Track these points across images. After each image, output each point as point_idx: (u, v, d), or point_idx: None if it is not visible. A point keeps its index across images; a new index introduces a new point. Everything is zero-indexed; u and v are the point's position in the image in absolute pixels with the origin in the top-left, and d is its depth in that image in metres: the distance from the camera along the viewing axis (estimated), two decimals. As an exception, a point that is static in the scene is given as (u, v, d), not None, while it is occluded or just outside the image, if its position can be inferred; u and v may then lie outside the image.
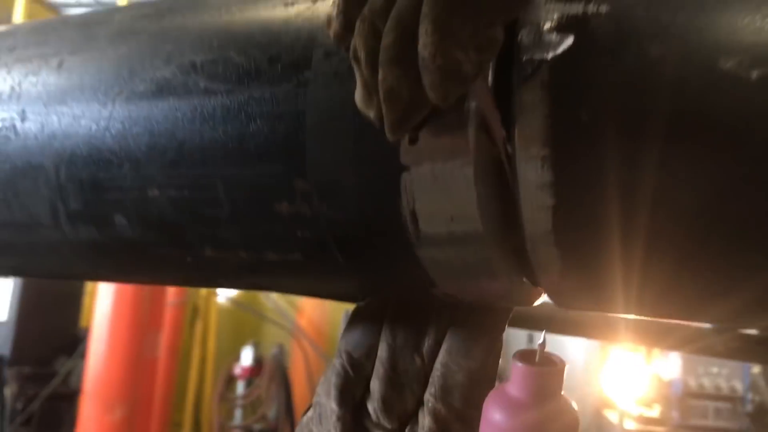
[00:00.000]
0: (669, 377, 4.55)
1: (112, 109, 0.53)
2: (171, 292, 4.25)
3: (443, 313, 0.56)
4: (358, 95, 0.41)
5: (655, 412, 4.67)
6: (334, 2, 0.47)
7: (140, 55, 0.54)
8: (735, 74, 0.36)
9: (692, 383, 4.43)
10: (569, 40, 0.39)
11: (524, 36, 0.41)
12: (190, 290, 4.66)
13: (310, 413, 0.60)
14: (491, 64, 0.43)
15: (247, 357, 4.92)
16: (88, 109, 0.55)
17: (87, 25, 0.61)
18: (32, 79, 0.59)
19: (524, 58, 0.40)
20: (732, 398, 4.39)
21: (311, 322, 5.26)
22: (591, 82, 0.39)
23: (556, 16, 0.40)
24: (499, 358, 0.55)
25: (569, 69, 0.39)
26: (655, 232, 0.40)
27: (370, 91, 0.40)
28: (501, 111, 0.42)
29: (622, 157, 0.39)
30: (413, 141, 0.44)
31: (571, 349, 5.06)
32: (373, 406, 0.56)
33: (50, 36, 0.62)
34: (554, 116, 0.40)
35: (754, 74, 0.35)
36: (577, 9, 0.40)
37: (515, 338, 4.61)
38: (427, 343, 0.56)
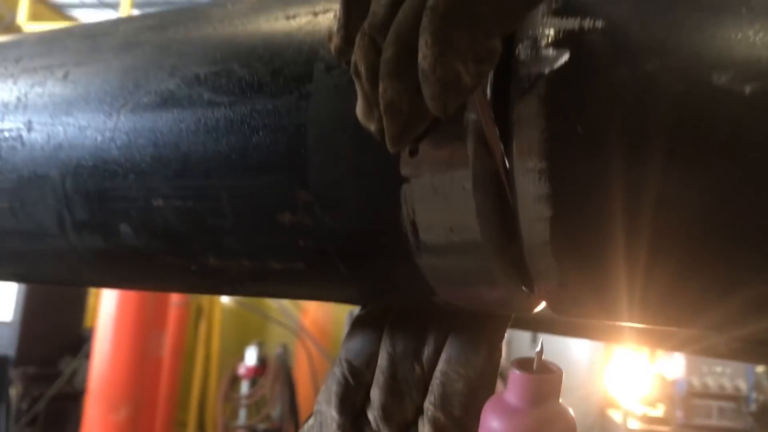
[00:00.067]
0: (673, 377, 4.55)
1: (117, 120, 0.54)
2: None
3: (443, 321, 0.57)
4: (359, 108, 0.42)
5: (659, 411, 4.67)
6: (334, 17, 0.48)
7: (145, 67, 0.55)
8: (729, 89, 0.36)
9: (696, 383, 4.43)
10: (566, 55, 0.40)
11: (522, 50, 0.42)
12: (194, 291, 4.66)
13: (311, 421, 0.60)
14: (490, 78, 0.43)
15: (251, 357, 4.93)
16: (94, 120, 0.55)
17: (92, 36, 0.62)
18: (38, 90, 0.59)
19: (522, 73, 0.41)
20: (736, 398, 4.39)
21: (315, 322, 5.27)
22: (587, 96, 0.39)
23: (553, 31, 0.41)
24: (498, 366, 0.55)
25: (566, 83, 0.40)
26: (652, 242, 0.40)
27: (371, 104, 0.41)
28: (499, 124, 0.43)
29: (619, 169, 0.39)
30: (413, 153, 0.44)
31: (575, 349, 5.06)
32: (373, 414, 0.57)
33: (55, 47, 0.63)
34: (551, 130, 0.40)
35: (748, 89, 0.36)
36: (573, 24, 0.40)
37: (519, 339, 4.62)
38: (426, 351, 0.56)
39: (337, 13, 0.43)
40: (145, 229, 0.56)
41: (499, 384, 0.55)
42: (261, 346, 4.99)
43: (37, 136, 0.58)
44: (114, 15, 5.84)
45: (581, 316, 0.52)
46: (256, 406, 4.97)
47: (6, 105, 0.61)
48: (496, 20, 0.38)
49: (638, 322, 0.48)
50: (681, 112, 0.37)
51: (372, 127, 0.41)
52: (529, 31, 0.42)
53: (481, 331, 0.55)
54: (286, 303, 5.16)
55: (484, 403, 0.50)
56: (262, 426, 4.77)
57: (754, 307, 0.42)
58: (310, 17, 0.51)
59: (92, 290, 4.69)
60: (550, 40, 0.41)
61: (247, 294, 0.64)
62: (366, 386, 0.58)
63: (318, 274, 0.54)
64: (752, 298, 0.41)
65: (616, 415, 4.85)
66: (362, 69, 0.40)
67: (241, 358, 4.99)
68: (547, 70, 0.40)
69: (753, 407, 4.34)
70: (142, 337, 3.91)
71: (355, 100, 0.42)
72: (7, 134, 0.60)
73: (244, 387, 5.00)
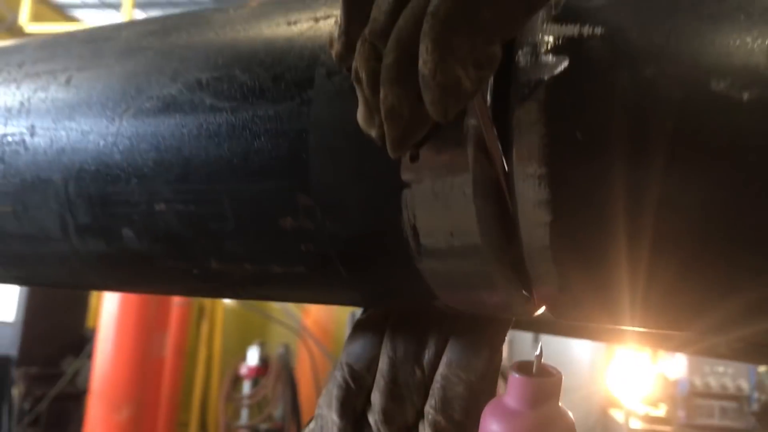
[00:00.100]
0: (675, 376, 4.55)
1: (119, 125, 0.55)
2: (177, 292, 4.25)
3: (444, 325, 0.57)
4: (360, 114, 0.42)
5: (661, 411, 4.67)
6: (335, 23, 0.48)
7: (147, 72, 0.55)
8: (727, 95, 0.37)
9: (698, 382, 4.43)
10: (565, 62, 0.40)
11: (522, 56, 0.42)
12: (196, 291, 4.67)
13: (312, 425, 0.60)
14: (490, 84, 0.44)
15: (253, 357, 4.94)
16: (96, 125, 0.56)
17: (94, 41, 0.62)
18: (41, 94, 0.60)
19: (522, 79, 0.41)
20: (738, 397, 4.38)
21: (317, 322, 5.28)
22: (587, 102, 0.40)
23: (552, 38, 0.41)
24: (499, 369, 0.56)
25: (565, 89, 0.40)
26: (653, 247, 0.41)
27: (372, 110, 0.41)
28: (499, 130, 0.43)
29: (618, 175, 0.40)
30: (414, 158, 0.44)
31: (576, 349, 5.07)
32: (374, 418, 0.57)
33: (58, 52, 0.63)
34: (551, 135, 0.40)
35: (746, 95, 0.36)
36: (573, 31, 0.41)
37: (521, 340, 4.62)
38: (427, 355, 0.57)
39: (338, 19, 0.43)
40: (147, 233, 0.56)
41: (500, 384, 0.56)
42: (263, 346, 5.00)
43: (40, 141, 0.58)
44: (116, 15, 5.85)
45: (581, 320, 0.52)
46: (258, 406, 4.98)
47: (9, 110, 0.61)
48: (497, 26, 0.38)
49: (639, 326, 0.49)
50: (680, 118, 0.38)
51: (373, 132, 0.41)
52: (529, 38, 0.42)
53: (481, 334, 0.56)
54: (288, 303, 5.16)
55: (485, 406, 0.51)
56: (264, 426, 4.77)
57: (754, 308, 0.42)
58: (311, 23, 0.51)
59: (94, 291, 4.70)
60: (549, 46, 0.41)
61: (248, 297, 0.65)
62: (367, 390, 0.58)
63: (319, 278, 0.54)
64: (753, 300, 0.41)
65: (618, 415, 4.85)
66: (363, 75, 0.41)
67: (243, 358, 4.99)
68: (546, 77, 0.41)
69: (755, 407, 4.34)
70: (144, 337, 3.92)
71: (356, 105, 0.42)
72: (10, 138, 0.60)
73: (246, 387, 5.01)
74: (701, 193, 0.38)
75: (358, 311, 0.63)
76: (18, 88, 0.62)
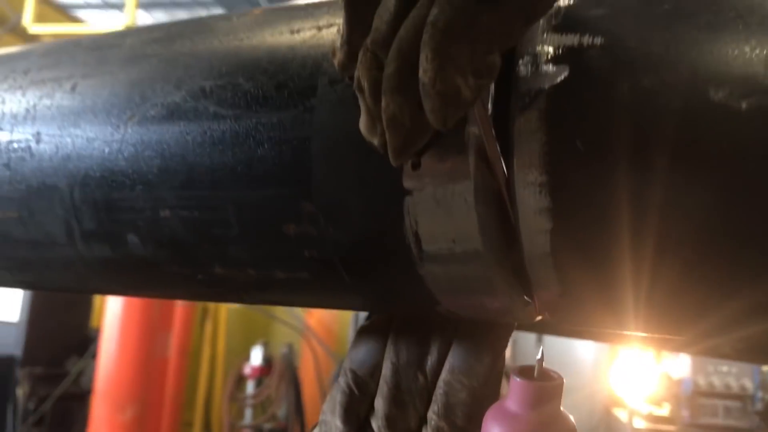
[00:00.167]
0: (678, 376, 4.55)
1: (124, 132, 0.55)
2: (181, 293, 4.25)
3: (446, 331, 0.57)
4: (362, 123, 0.42)
5: (665, 410, 4.66)
6: (338, 32, 0.48)
7: (151, 80, 0.56)
8: (726, 104, 0.37)
9: (702, 382, 4.42)
10: (566, 71, 0.41)
11: (522, 66, 0.42)
12: (199, 291, 4.67)
13: (316, 431, 0.61)
14: (491, 93, 0.44)
15: (256, 357, 4.94)
16: (102, 132, 0.56)
17: (99, 48, 0.63)
18: (47, 101, 0.60)
19: (522, 88, 0.42)
20: (742, 397, 4.38)
21: (321, 321, 5.28)
22: (586, 111, 0.40)
23: (552, 47, 0.42)
24: (502, 374, 0.56)
25: (565, 98, 0.41)
26: (654, 253, 0.41)
27: (374, 118, 0.41)
28: (500, 138, 0.43)
29: (619, 182, 0.40)
30: (416, 166, 0.45)
31: (580, 348, 5.06)
32: (377, 424, 0.57)
33: (63, 59, 0.64)
34: (551, 144, 0.41)
35: (744, 104, 0.37)
36: (573, 40, 0.41)
37: (524, 340, 4.62)
38: (430, 361, 0.57)
39: (341, 28, 0.44)
40: (152, 239, 0.57)
41: (504, 384, 0.56)
42: (266, 346, 5.00)
43: (45, 148, 0.59)
44: (119, 15, 5.85)
45: (582, 325, 0.52)
46: (261, 405, 4.98)
47: (15, 116, 0.61)
48: (496, 35, 0.38)
49: (639, 331, 0.49)
50: (679, 127, 0.38)
51: (375, 140, 0.42)
52: (530, 47, 0.42)
53: (484, 340, 0.56)
54: (291, 304, 5.15)
55: (488, 411, 0.51)
56: (267, 426, 4.78)
57: (756, 310, 0.42)
58: (313, 31, 0.52)
59: (98, 291, 4.70)
60: (550, 56, 0.41)
61: (252, 302, 0.65)
62: (370, 396, 0.59)
63: (322, 284, 0.54)
64: (754, 301, 0.42)
65: (621, 414, 4.85)
66: (365, 84, 0.41)
67: (247, 357, 5.00)
68: (547, 86, 0.41)
69: (759, 406, 4.33)
70: (148, 337, 3.92)
71: (359, 113, 0.42)
72: (16, 145, 0.61)
73: (250, 387, 5.01)
74: (700, 202, 0.39)
75: (361, 312, 0.64)
76: (24, 95, 0.62)
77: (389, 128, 0.40)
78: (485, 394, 0.55)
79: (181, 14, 6.93)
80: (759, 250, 0.39)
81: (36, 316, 4.30)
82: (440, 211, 0.45)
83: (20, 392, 4.15)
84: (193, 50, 0.56)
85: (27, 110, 0.61)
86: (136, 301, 3.84)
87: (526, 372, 0.51)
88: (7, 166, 0.61)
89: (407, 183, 0.46)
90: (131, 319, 3.87)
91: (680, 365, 4.56)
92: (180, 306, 4.37)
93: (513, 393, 0.50)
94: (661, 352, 4.59)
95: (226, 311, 5.64)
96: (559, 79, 0.41)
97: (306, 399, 4.85)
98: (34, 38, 4.99)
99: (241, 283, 0.57)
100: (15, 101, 0.62)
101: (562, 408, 0.50)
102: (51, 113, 0.60)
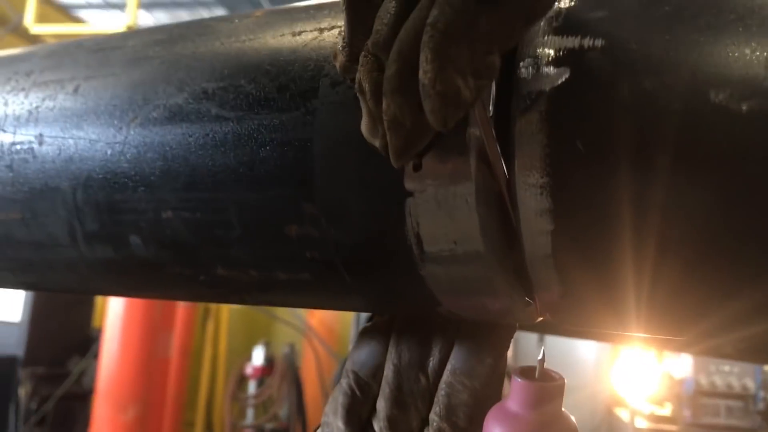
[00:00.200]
0: (680, 375, 4.55)
1: (126, 134, 0.55)
2: (183, 293, 4.25)
3: (448, 332, 0.58)
4: (364, 125, 0.43)
5: (667, 410, 4.66)
6: (339, 35, 0.48)
7: (153, 82, 0.56)
8: (726, 106, 0.37)
9: (704, 381, 4.42)
10: (566, 73, 0.41)
11: (523, 68, 0.42)
12: (201, 291, 4.68)
13: None
14: (492, 95, 0.44)
15: (258, 357, 4.94)
16: (104, 134, 0.57)
17: (102, 50, 0.63)
18: (49, 103, 0.60)
19: (523, 90, 0.42)
20: (744, 396, 4.37)
21: (322, 321, 5.28)
22: (587, 113, 0.40)
23: (553, 50, 0.42)
24: (503, 375, 0.56)
25: (566, 100, 0.41)
26: (655, 254, 0.41)
27: (375, 120, 0.41)
28: (501, 140, 0.44)
29: (620, 184, 0.40)
30: (417, 168, 0.45)
31: (582, 348, 5.06)
32: (379, 425, 0.57)
33: (66, 61, 0.64)
34: (552, 146, 0.41)
35: (745, 107, 0.37)
36: (574, 43, 0.41)
37: (526, 339, 4.62)
38: (432, 362, 0.57)
39: (342, 31, 0.44)
40: (154, 240, 0.57)
41: (506, 384, 0.56)
42: (268, 346, 5.00)
43: (48, 149, 0.59)
44: (120, 15, 5.85)
45: (583, 325, 0.52)
46: (263, 405, 4.98)
47: (18, 118, 0.62)
48: (495, 36, 0.38)
49: (641, 332, 0.49)
50: (680, 129, 0.38)
51: (377, 142, 0.42)
52: (531, 49, 0.42)
53: (485, 341, 0.56)
54: (293, 304, 5.15)
55: (489, 412, 0.51)
56: (269, 425, 4.78)
57: (757, 310, 0.42)
58: (315, 33, 0.52)
59: (100, 291, 4.70)
60: (550, 58, 0.41)
61: (254, 303, 0.65)
62: (372, 397, 0.59)
63: (324, 285, 0.54)
64: (755, 302, 0.42)
65: (623, 414, 4.85)
66: (366, 86, 0.41)
67: (249, 357, 5.00)
68: (548, 88, 0.41)
69: (761, 406, 4.33)
70: (150, 337, 3.93)
71: (360, 115, 0.43)
72: (18, 147, 0.61)
73: (252, 387, 5.01)
74: (701, 203, 0.39)
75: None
76: (26, 97, 0.63)
77: (390, 129, 0.40)
78: (487, 395, 0.55)
79: (183, 14, 6.93)
80: (760, 249, 0.39)
81: (38, 316, 4.30)
82: (442, 212, 0.45)
83: (22, 392, 4.15)
84: (196, 52, 0.57)
85: (30, 112, 0.61)
86: (137, 301, 3.85)
87: (527, 372, 0.51)
88: (9, 167, 0.61)
89: (409, 184, 0.46)
90: (133, 319, 3.87)
91: (682, 365, 4.56)
92: (182, 306, 4.37)
93: (514, 393, 0.50)
94: (663, 351, 4.59)
95: (227, 311, 5.64)
96: (559, 81, 0.41)
97: (308, 399, 4.86)
98: (35, 38, 5.00)
99: (243, 284, 0.57)
100: (18, 103, 0.63)
101: (563, 408, 0.50)
102: (54, 115, 0.60)
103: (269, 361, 4.94)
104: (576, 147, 0.40)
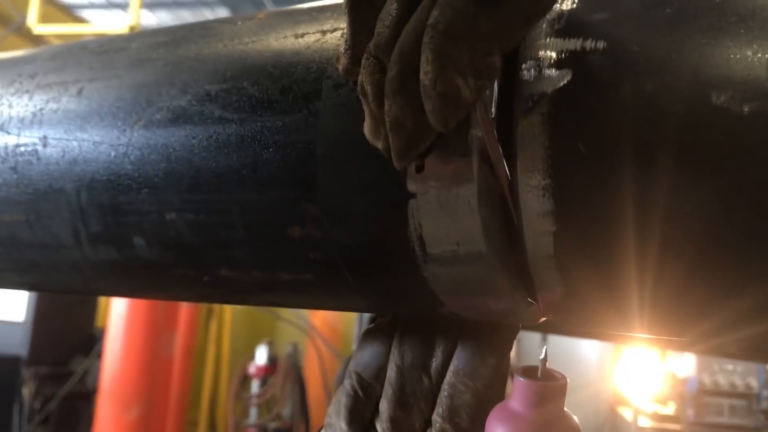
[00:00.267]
0: (684, 374, 4.54)
1: (130, 136, 0.56)
2: (186, 292, 4.25)
3: (450, 333, 0.58)
4: (366, 127, 0.43)
5: (670, 409, 4.66)
6: (341, 37, 0.48)
7: (157, 84, 0.56)
8: (727, 108, 0.37)
9: (707, 380, 4.42)
10: (568, 75, 0.41)
11: (525, 70, 0.43)
12: (204, 290, 4.68)
13: None
14: (494, 97, 0.44)
15: (261, 356, 4.95)
16: (108, 136, 0.57)
17: (105, 52, 0.63)
18: (53, 105, 0.61)
19: (525, 92, 0.42)
20: (747, 395, 4.37)
21: (325, 321, 5.28)
22: (589, 115, 0.40)
23: (555, 52, 0.42)
24: (506, 376, 0.56)
25: (568, 102, 0.41)
26: (657, 255, 0.41)
27: (378, 122, 0.42)
28: (504, 142, 0.44)
29: (621, 185, 0.40)
30: (419, 169, 0.45)
31: (585, 347, 5.06)
32: (381, 426, 0.58)
33: (69, 63, 0.64)
34: (554, 147, 0.41)
35: (746, 108, 0.37)
36: (575, 45, 0.41)
37: (529, 338, 4.62)
38: (434, 363, 0.57)
39: (344, 34, 0.44)
40: (158, 242, 0.57)
41: (509, 383, 0.56)
42: (271, 346, 5.01)
43: (52, 151, 0.59)
44: (123, 15, 5.86)
45: (586, 326, 0.52)
46: (266, 405, 4.99)
47: (22, 120, 0.62)
48: (495, 37, 0.38)
49: (643, 333, 0.49)
50: (681, 131, 0.38)
51: (379, 144, 0.42)
52: (532, 52, 0.43)
53: (488, 341, 0.56)
54: (295, 304, 5.15)
55: (492, 413, 0.51)
56: (272, 425, 4.79)
57: (758, 310, 0.43)
58: (318, 36, 0.52)
59: (103, 291, 4.70)
60: (552, 60, 0.42)
61: (257, 304, 0.66)
62: (375, 398, 0.59)
63: (327, 285, 0.55)
64: (756, 302, 0.42)
65: (626, 413, 4.84)
66: (368, 89, 0.41)
67: (252, 357, 5.01)
68: (550, 90, 0.41)
69: (764, 405, 4.33)
70: (153, 336, 3.93)
71: (363, 117, 0.43)
72: (23, 149, 0.61)
73: (255, 386, 5.02)
74: (703, 204, 0.39)
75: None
76: (31, 99, 0.63)
77: (392, 131, 0.40)
78: (490, 395, 0.55)
79: (185, 14, 6.94)
80: (761, 249, 0.39)
81: (41, 315, 4.31)
82: (444, 213, 0.46)
83: (26, 392, 4.16)
84: (199, 54, 0.57)
85: (34, 114, 0.61)
86: (141, 301, 3.85)
87: (529, 372, 0.51)
88: (14, 169, 0.62)
89: (411, 186, 0.46)
90: (136, 318, 3.88)
91: (685, 364, 4.56)
92: (185, 306, 4.38)
93: (516, 392, 0.50)
94: (666, 351, 4.59)
95: (230, 311, 5.64)
96: (561, 83, 0.41)
97: (311, 398, 4.86)
98: (38, 38, 5.01)
99: (246, 285, 0.58)
100: (22, 105, 0.63)
101: (566, 408, 0.50)
102: (58, 117, 0.60)
103: (272, 360, 4.95)
104: (578, 148, 0.40)
